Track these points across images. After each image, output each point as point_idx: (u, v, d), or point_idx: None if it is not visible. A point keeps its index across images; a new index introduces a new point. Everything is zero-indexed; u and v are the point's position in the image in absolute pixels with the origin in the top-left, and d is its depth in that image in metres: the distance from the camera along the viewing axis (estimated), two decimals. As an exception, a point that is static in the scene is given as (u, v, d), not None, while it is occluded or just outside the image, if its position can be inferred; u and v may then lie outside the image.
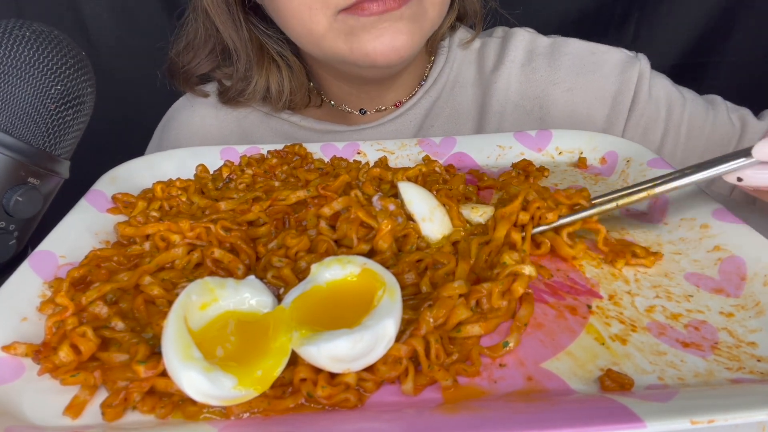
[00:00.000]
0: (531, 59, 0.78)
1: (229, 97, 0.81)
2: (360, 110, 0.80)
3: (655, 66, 0.77)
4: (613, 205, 0.45)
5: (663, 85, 0.76)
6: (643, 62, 0.76)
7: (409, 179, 0.52)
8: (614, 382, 0.32)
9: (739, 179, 0.40)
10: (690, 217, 0.47)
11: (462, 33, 0.81)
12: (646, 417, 0.27)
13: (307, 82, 0.80)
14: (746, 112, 0.76)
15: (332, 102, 0.82)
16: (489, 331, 0.36)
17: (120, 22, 1.11)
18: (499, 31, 0.83)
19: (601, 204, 0.46)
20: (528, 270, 0.39)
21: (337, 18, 0.61)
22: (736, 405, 0.28)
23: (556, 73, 0.76)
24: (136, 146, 0.91)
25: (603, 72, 0.76)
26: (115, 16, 1.10)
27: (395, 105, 0.80)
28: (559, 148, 0.64)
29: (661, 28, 1.13)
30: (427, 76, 0.80)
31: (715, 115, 0.76)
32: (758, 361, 0.34)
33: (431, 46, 0.80)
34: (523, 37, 0.80)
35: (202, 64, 0.79)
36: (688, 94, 0.78)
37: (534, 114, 0.77)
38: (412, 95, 0.79)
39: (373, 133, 0.78)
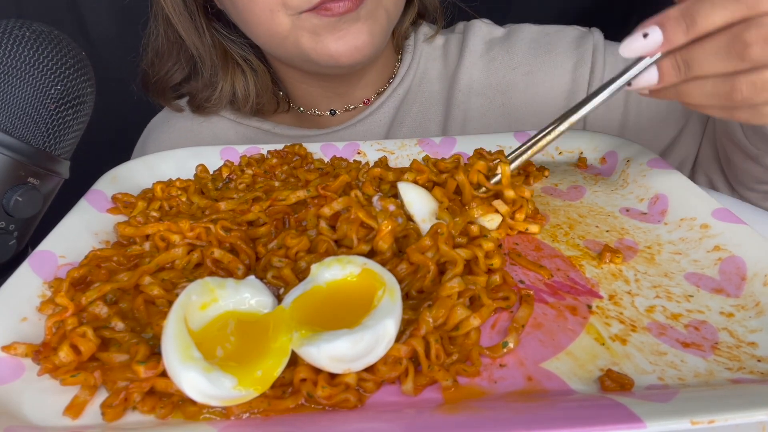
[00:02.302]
0: (489, 48, 0.79)
1: (197, 104, 0.81)
2: (330, 111, 0.81)
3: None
4: (529, 153, 0.50)
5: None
6: (596, 35, 0.77)
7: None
8: (614, 382, 0.32)
9: (629, 84, 0.42)
10: (690, 217, 0.47)
11: (425, 29, 0.83)
12: (646, 417, 0.27)
13: (273, 86, 0.81)
14: None
15: (301, 108, 0.82)
16: (485, 319, 0.37)
17: (120, 21, 1.11)
18: (460, 26, 0.85)
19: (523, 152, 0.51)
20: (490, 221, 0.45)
21: (300, 17, 0.62)
22: (737, 405, 0.28)
23: (514, 58, 0.78)
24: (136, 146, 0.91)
25: (558, 50, 0.77)
26: (114, 15, 1.10)
27: (364, 103, 0.81)
28: (559, 148, 0.64)
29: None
30: (395, 75, 0.81)
31: None
32: (758, 361, 0.34)
33: (397, 45, 0.81)
34: (480, 29, 0.81)
35: (172, 74, 0.80)
36: None
37: (496, 101, 0.78)
38: (381, 93, 0.80)
39: (346, 134, 0.79)
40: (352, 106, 0.81)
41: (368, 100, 0.81)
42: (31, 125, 0.43)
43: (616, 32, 1.16)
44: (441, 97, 0.80)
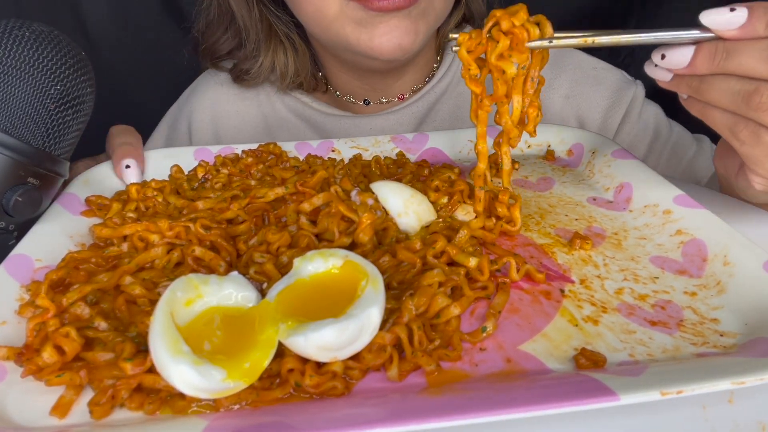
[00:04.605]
0: None
1: (237, 75, 0.83)
2: (364, 101, 0.83)
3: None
4: (545, 42, 0.44)
5: (655, 112, 0.80)
6: (639, 88, 0.80)
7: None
8: (588, 360, 0.34)
9: (663, 56, 0.42)
10: (653, 204, 0.49)
11: None
12: (619, 390, 0.29)
13: (312, 67, 0.83)
14: None
15: (337, 92, 0.84)
16: (465, 308, 0.38)
17: (120, 21, 1.10)
18: None
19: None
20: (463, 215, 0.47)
21: (348, 4, 0.63)
22: (702, 376, 0.30)
23: (557, 78, 0.80)
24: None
25: (600, 87, 0.79)
26: (114, 15, 1.09)
27: (399, 98, 0.82)
28: (528, 141, 0.66)
29: (660, 27, 1.15)
30: (433, 74, 0.82)
31: (698, 151, 0.79)
32: (721, 336, 0.36)
33: (439, 45, 0.83)
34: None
35: (221, 44, 0.82)
36: (677, 127, 0.81)
37: None
38: (417, 90, 0.82)
39: (376, 121, 0.80)
40: (386, 100, 0.82)
41: (403, 95, 0.82)
42: (31, 125, 0.43)
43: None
44: None
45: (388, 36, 0.63)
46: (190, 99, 0.88)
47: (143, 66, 1.07)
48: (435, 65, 0.83)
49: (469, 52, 0.45)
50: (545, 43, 0.43)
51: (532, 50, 0.44)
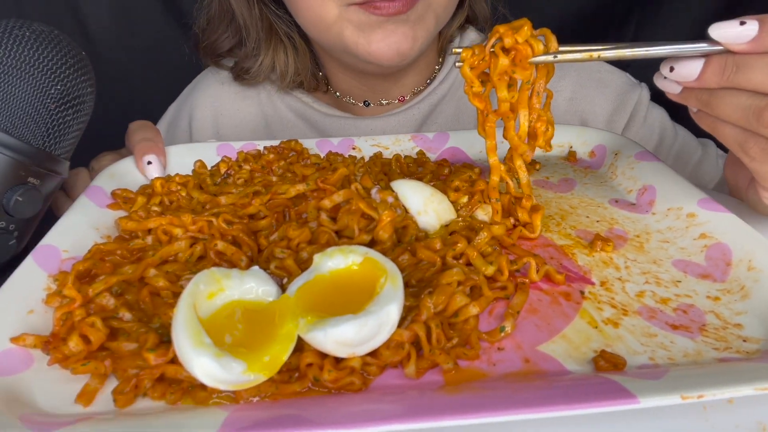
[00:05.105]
0: None
1: (238, 73, 0.83)
2: (364, 102, 0.83)
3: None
4: (550, 57, 0.43)
5: (660, 116, 0.79)
6: (644, 91, 0.79)
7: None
8: (608, 362, 0.34)
9: (672, 69, 0.41)
10: (677, 207, 0.49)
11: (472, 35, 0.84)
12: (639, 393, 0.29)
13: (313, 67, 0.83)
14: None
15: (337, 93, 0.84)
16: (484, 308, 0.38)
17: (120, 21, 1.11)
18: None
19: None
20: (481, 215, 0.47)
21: (348, 9, 0.63)
22: (724, 381, 0.30)
23: (561, 81, 0.79)
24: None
25: (605, 90, 0.78)
26: (115, 15, 1.11)
27: (399, 100, 0.82)
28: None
29: (661, 28, 1.13)
30: (434, 77, 0.82)
31: (704, 156, 0.79)
32: (744, 341, 0.36)
33: (441, 47, 0.82)
34: None
35: (221, 42, 0.82)
36: (682, 131, 0.80)
37: None
38: (418, 93, 0.81)
39: (377, 123, 0.79)
40: (386, 102, 0.82)
41: (403, 97, 0.82)
42: (32, 125, 0.44)
43: (616, 32, 1.17)
44: None
45: (386, 41, 0.63)
46: (191, 96, 0.88)
47: (143, 66, 1.07)
48: (437, 67, 0.83)
49: (471, 68, 0.44)
50: (549, 57, 0.43)
51: (536, 65, 0.44)
